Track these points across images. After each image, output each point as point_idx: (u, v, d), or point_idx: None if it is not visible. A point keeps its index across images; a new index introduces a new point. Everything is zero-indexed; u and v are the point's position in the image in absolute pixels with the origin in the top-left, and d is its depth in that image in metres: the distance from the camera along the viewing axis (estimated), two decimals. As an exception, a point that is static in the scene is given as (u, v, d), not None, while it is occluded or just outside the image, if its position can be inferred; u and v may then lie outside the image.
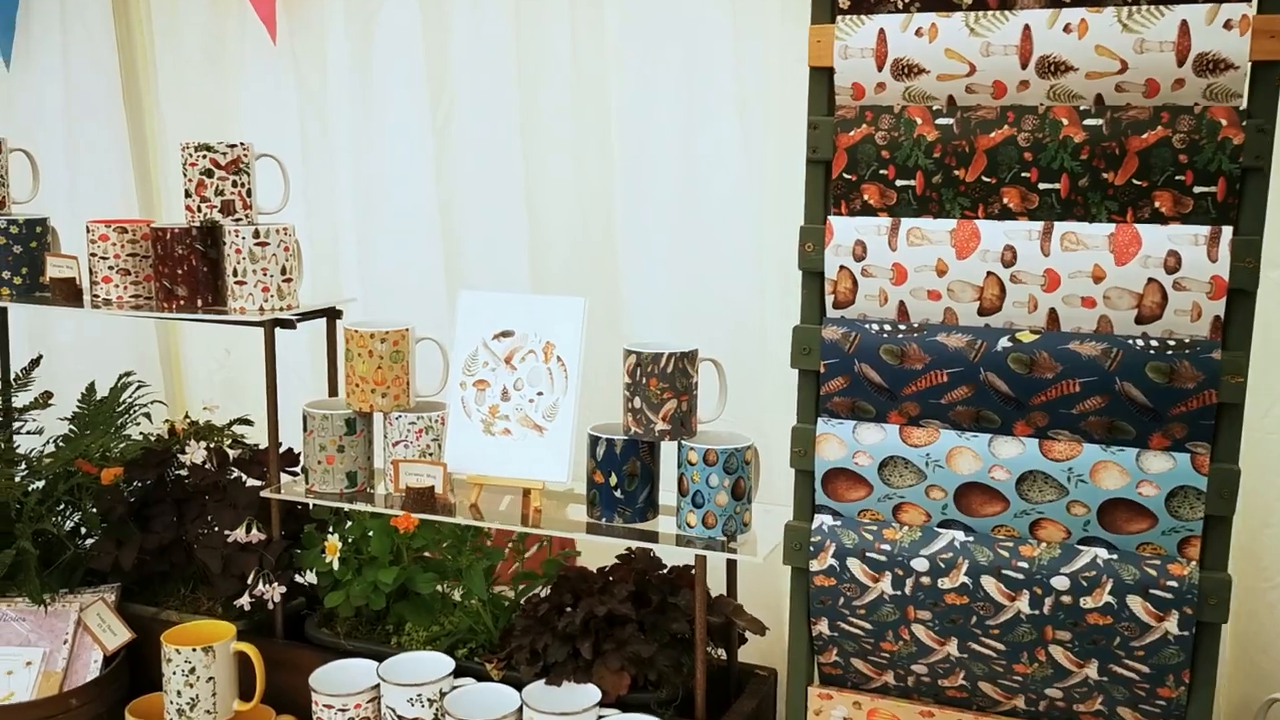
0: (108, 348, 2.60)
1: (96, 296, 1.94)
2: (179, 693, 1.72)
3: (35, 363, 2.26)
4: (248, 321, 1.83)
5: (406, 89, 2.33)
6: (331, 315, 1.95)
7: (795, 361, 1.48)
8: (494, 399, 1.81)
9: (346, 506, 1.82)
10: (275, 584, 1.81)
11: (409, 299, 2.36)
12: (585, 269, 2.24)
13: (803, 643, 1.53)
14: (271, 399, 1.85)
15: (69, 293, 1.93)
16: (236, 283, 1.84)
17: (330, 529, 1.87)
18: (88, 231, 1.93)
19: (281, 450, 1.90)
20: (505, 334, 1.81)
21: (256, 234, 1.82)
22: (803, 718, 1.55)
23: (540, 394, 1.79)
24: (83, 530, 2.01)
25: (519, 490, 1.78)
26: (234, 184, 1.84)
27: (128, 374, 2.32)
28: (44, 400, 2.18)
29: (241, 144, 1.84)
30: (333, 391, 2.00)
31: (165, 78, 2.64)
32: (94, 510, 1.94)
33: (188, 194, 1.84)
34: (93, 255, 1.93)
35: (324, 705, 1.69)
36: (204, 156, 1.82)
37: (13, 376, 2.23)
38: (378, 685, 1.69)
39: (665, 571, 1.78)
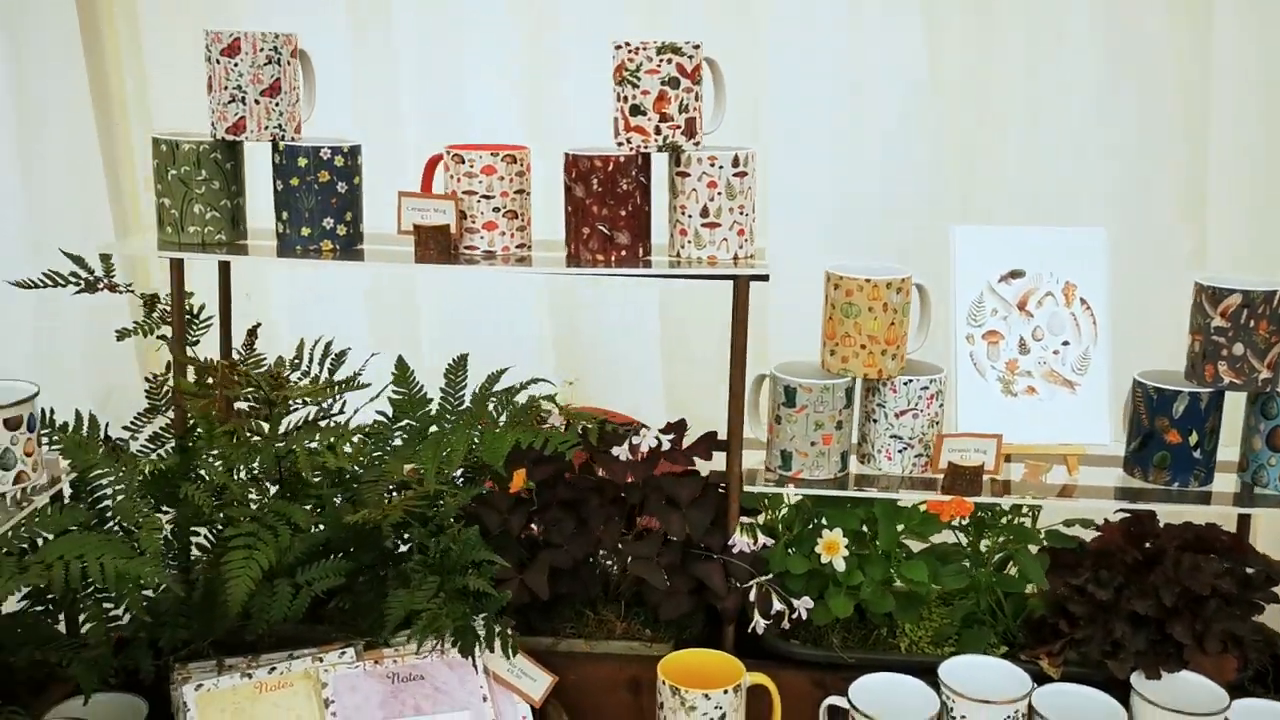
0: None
1: (473, 249, 1.45)
2: (704, 748, 1.36)
3: (254, 333, 1.70)
4: (720, 275, 1.44)
5: None
6: (748, 260, 1.57)
7: None
8: (1010, 352, 1.53)
9: (848, 494, 1.49)
10: (801, 598, 1.45)
11: None
12: None
13: None
14: (739, 364, 1.47)
15: (441, 246, 1.42)
16: (706, 225, 1.43)
17: (800, 520, 1.54)
18: (460, 162, 1.43)
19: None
20: (1015, 274, 1.53)
21: (736, 161, 1.41)
22: None
23: (1066, 344, 1.53)
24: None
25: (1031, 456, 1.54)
26: (696, 96, 1.41)
27: (331, 343, 1.79)
28: (323, 383, 1.62)
29: (699, 44, 1.41)
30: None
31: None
32: (467, 524, 1.49)
33: (638, 110, 1.39)
34: (469, 194, 1.43)
35: (890, 739, 1.39)
36: (668, 61, 1.38)
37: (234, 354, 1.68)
38: (941, 706, 1.42)
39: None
